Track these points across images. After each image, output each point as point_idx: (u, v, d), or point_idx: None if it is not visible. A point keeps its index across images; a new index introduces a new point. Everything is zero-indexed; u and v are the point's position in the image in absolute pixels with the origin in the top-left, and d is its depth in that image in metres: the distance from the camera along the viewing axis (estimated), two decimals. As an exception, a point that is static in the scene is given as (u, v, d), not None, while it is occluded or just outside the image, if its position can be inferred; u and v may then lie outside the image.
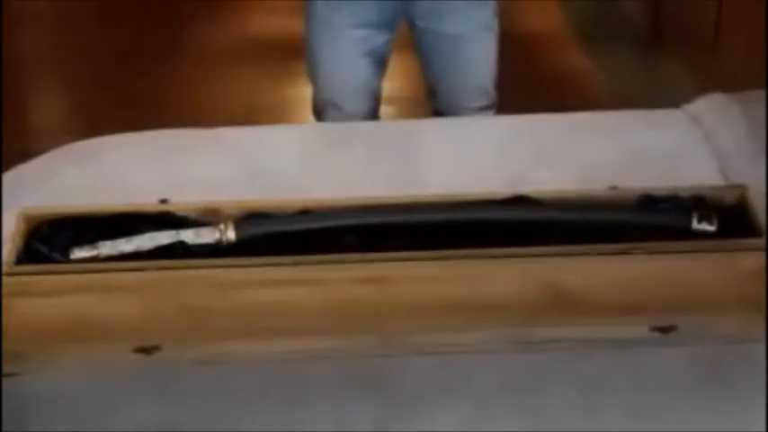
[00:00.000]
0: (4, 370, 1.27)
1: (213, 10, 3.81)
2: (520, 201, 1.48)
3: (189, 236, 1.40)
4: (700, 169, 1.75)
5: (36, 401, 1.25)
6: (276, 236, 1.41)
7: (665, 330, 1.26)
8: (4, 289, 1.32)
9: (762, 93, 2.10)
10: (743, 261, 1.39)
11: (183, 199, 1.52)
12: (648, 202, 1.52)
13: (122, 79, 3.37)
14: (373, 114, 2.17)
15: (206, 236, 1.40)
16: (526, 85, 2.40)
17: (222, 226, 1.40)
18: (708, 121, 1.89)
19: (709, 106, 1.95)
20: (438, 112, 2.20)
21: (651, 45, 3.77)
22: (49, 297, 1.33)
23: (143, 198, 1.53)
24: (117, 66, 3.45)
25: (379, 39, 2.11)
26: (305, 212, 1.44)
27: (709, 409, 1.21)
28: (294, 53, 3.43)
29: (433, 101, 2.21)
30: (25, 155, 2.46)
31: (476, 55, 2.14)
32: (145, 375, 1.26)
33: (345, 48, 2.08)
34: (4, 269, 1.34)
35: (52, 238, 1.39)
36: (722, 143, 1.81)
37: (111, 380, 1.25)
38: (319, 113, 2.19)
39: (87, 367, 1.27)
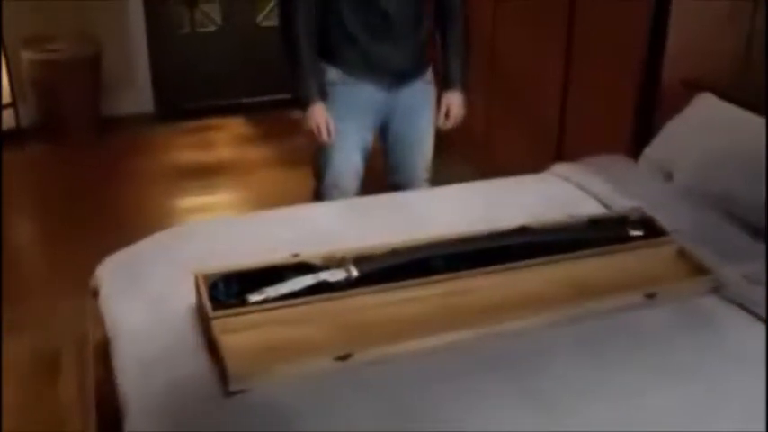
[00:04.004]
0: (232, 388, 1.66)
1: (144, 145, 4.83)
2: (524, 230, 2.14)
3: (326, 276, 1.88)
4: (587, 204, 2.50)
5: (263, 412, 1.59)
6: (384, 270, 1.94)
7: (651, 296, 1.96)
8: (215, 329, 1.73)
9: (594, 159, 2.92)
10: (667, 249, 2.15)
11: (268, 256, 1.99)
12: (595, 221, 2.25)
13: (78, 201, 4.10)
14: (359, 191, 2.82)
15: (337, 275, 1.90)
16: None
17: (350, 266, 1.90)
18: (575, 177, 2.66)
19: (565, 170, 2.74)
20: (396, 185, 2.89)
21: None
22: (248, 331, 1.76)
23: (245, 258, 1.98)
24: (75, 191, 4.20)
25: (369, 138, 2.81)
26: (396, 252, 1.99)
27: (684, 343, 1.90)
28: (204, 174, 4.48)
29: (394, 177, 2.91)
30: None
31: (428, 144, 2.90)
32: (340, 378, 1.69)
33: (350, 147, 2.74)
34: (209, 315, 1.75)
35: (227, 289, 1.82)
36: (595, 188, 2.57)
37: (316, 385, 1.66)
38: (321, 196, 2.79)
39: (294, 378, 1.68)
